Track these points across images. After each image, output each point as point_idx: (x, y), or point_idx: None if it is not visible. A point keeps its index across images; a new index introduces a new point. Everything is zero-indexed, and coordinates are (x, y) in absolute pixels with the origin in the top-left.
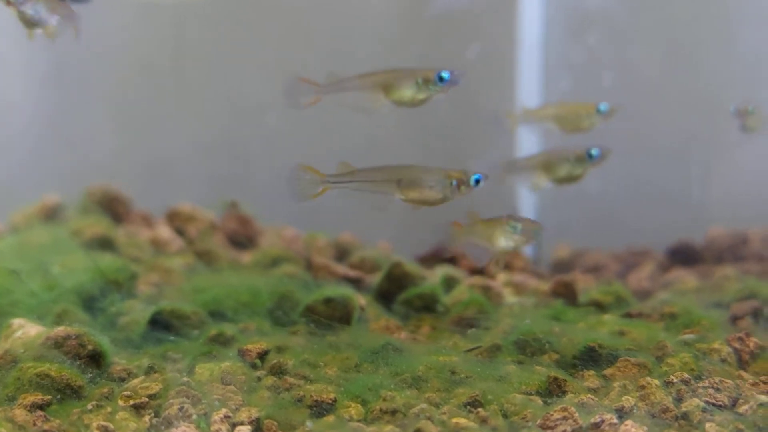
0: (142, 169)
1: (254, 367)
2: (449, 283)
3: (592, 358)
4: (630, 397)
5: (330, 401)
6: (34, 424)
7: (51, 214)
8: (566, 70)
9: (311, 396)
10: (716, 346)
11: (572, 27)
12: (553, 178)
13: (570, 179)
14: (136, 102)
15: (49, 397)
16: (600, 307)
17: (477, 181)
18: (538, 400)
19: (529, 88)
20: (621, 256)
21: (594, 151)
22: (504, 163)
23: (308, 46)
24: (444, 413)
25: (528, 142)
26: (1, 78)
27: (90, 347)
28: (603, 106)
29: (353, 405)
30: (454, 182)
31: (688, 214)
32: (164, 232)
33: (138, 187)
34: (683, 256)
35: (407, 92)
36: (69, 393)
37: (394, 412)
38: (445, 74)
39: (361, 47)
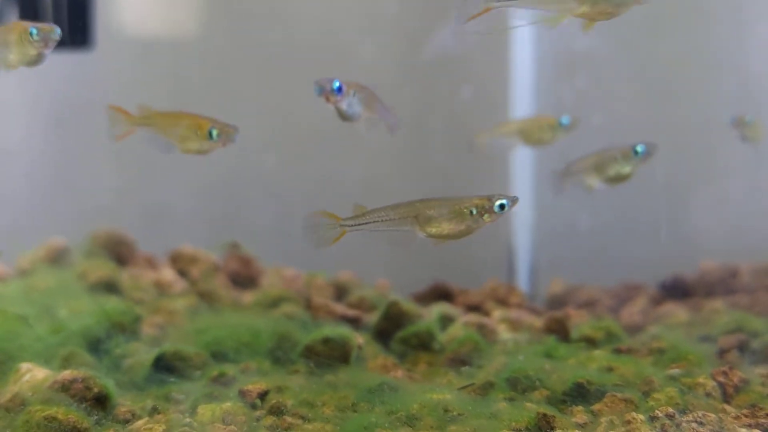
0: (142, 211)
1: (254, 407)
2: (445, 321)
3: (580, 393)
4: None
5: None
6: None
7: (57, 258)
8: (557, 110)
9: None
10: (701, 380)
11: (562, 69)
12: (604, 179)
13: (620, 178)
14: (136, 145)
15: None
16: (591, 342)
17: (502, 207)
18: None
19: None
20: (614, 291)
21: (640, 148)
22: (561, 169)
23: (304, 87)
24: None
25: (522, 176)
26: (4, 123)
27: (96, 390)
28: (565, 119)
29: None
30: (474, 210)
31: (681, 248)
32: (167, 274)
33: (139, 230)
34: (675, 290)
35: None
36: None
37: None
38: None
39: None
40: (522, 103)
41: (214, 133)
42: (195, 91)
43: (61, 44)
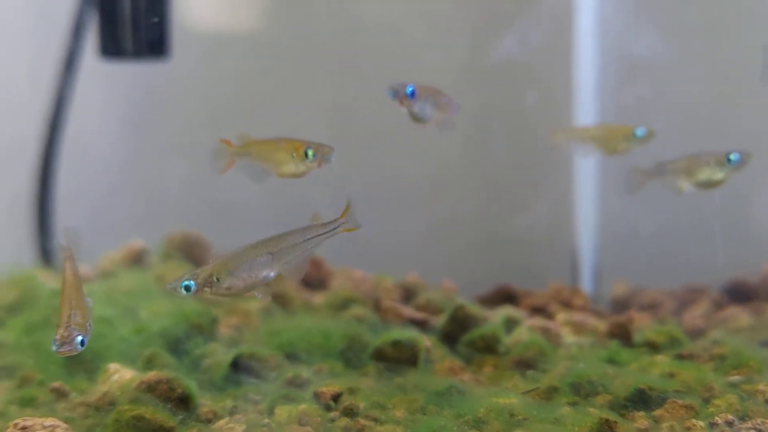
0: (211, 211)
1: (328, 408)
2: (510, 324)
3: (642, 399)
4: None
5: None
6: None
7: (136, 259)
8: (620, 115)
9: None
10: (761, 387)
11: (624, 74)
12: (695, 182)
13: (711, 184)
14: (206, 143)
15: None
16: (654, 347)
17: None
18: None
19: None
20: (676, 294)
21: (733, 156)
22: (650, 168)
23: (371, 87)
24: None
25: (586, 179)
26: (81, 124)
27: (179, 391)
28: (640, 131)
29: None
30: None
31: (745, 251)
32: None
33: (208, 230)
34: (738, 293)
35: None
36: None
37: None
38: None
39: None
40: (585, 108)
41: (310, 153)
42: (262, 90)
43: (140, 55)
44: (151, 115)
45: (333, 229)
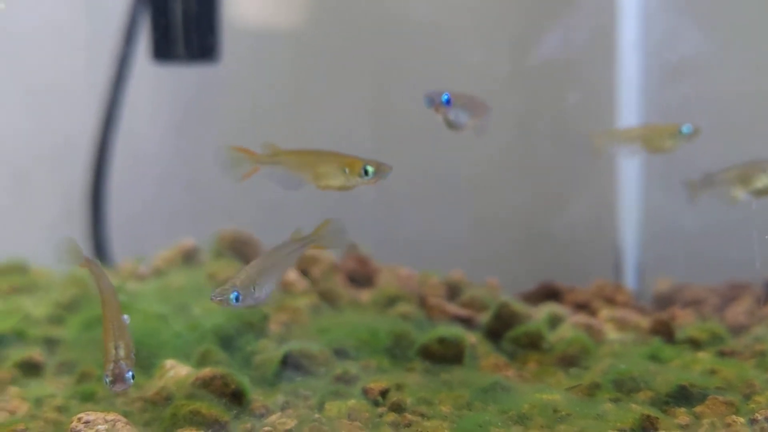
0: (258, 209)
1: (376, 404)
2: (553, 321)
3: (683, 396)
4: None
5: None
6: None
7: (188, 257)
8: (664, 114)
9: None
10: None
11: (668, 73)
12: (751, 191)
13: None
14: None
15: (202, 431)
16: (695, 344)
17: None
18: None
19: None
20: (720, 290)
21: None
22: (699, 179)
23: (410, 92)
24: None
25: (629, 176)
26: (135, 126)
27: (233, 386)
28: (686, 128)
29: None
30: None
31: None
32: (290, 274)
33: (255, 228)
34: None
35: None
36: (217, 428)
37: None
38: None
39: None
40: (629, 107)
41: (371, 170)
42: (306, 88)
43: (191, 57)
44: (199, 113)
45: (302, 246)
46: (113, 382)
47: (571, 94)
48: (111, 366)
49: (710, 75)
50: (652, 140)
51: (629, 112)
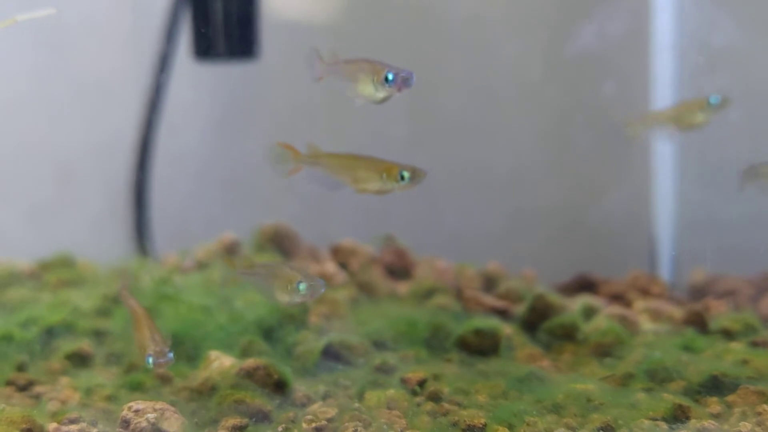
0: (297, 204)
1: (414, 393)
2: (588, 312)
3: (715, 385)
4: (747, 423)
5: (481, 425)
6: None
7: (229, 251)
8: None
9: (464, 420)
10: None
11: (703, 64)
12: None
13: None
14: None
15: (246, 420)
16: (729, 334)
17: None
18: (664, 425)
19: None
20: (754, 281)
21: None
22: (744, 169)
23: (447, 84)
24: None
25: (664, 167)
26: (178, 123)
27: (276, 377)
28: (713, 98)
29: (501, 429)
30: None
31: None
32: (330, 266)
33: (297, 222)
34: None
35: None
36: (261, 417)
37: None
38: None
39: (499, 87)
40: (663, 98)
41: (407, 175)
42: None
43: (232, 55)
44: (240, 109)
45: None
46: (157, 358)
47: (606, 85)
48: (152, 345)
49: (745, 67)
50: (683, 118)
51: (664, 103)
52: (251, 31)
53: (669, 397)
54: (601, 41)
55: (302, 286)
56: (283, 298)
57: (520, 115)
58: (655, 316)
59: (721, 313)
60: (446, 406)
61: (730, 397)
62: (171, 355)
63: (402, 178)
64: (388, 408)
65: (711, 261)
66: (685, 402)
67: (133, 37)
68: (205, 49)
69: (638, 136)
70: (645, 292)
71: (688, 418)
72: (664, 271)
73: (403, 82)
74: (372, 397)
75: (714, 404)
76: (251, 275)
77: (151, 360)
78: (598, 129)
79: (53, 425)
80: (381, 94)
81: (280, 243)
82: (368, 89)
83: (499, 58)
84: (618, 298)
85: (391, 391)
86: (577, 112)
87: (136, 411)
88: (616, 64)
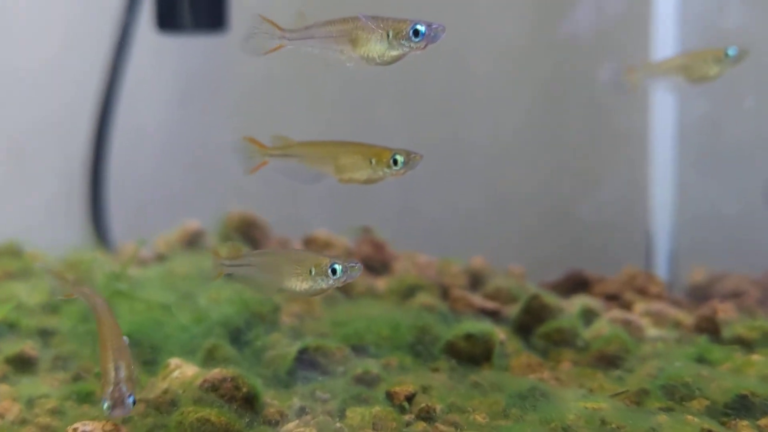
0: (267, 190)
1: (402, 410)
2: (587, 315)
3: (744, 406)
4: None
5: None
6: None
7: (192, 241)
8: (703, 89)
9: None
10: None
11: (708, 46)
12: None
13: None
14: (263, 124)
15: None
16: (745, 344)
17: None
18: None
19: (663, 108)
20: (760, 282)
21: None
22: None
23: (433, 62)
24: None
25: (662, 155)
26: (138, 102)
27: (245, 390)
28: (732, 50)
29: None
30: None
31: None
32: None
33: (270, 211)
34: None
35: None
36: None
37: None
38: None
39: (488, 65)
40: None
41: (400, 159)
42: (319, 61)
43: (198, 27)
44: (206, 83)
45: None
46: (112, 407)
47: (603, 67)
48: (110, 389)
49: (751, 48)
50: (694, 68)
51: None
52: (219, 3)
53: (694, 420)
54: (600, 19)
55: (338, 268)
56: (300, 286)
57: (506, 95)
58: (658, 320)
59: (731, 319)
60: (440, 427)
61: (763, 421)
62: (132, 399)
63: (395, 163)
64: (374, 428)
65: (712, 257)
66: (714, 426)
67: (93, 7)
68: (169, 21)
69: (635, 87)
70: (642, 292)
71: None
72: (661, 268)
73: (435, 34)
74: (355, 415)
75: (746, 429)
76: (242, 266)
77: (106, 406)
78: (593, 112)
79: None
80: (395, 52)
81: (248, 232)
82: (377, 48)
83: (488, 34)
84: (613, 298)
85: (376, 408)
86: (571, 94)
87: None
88: (615, 44)
